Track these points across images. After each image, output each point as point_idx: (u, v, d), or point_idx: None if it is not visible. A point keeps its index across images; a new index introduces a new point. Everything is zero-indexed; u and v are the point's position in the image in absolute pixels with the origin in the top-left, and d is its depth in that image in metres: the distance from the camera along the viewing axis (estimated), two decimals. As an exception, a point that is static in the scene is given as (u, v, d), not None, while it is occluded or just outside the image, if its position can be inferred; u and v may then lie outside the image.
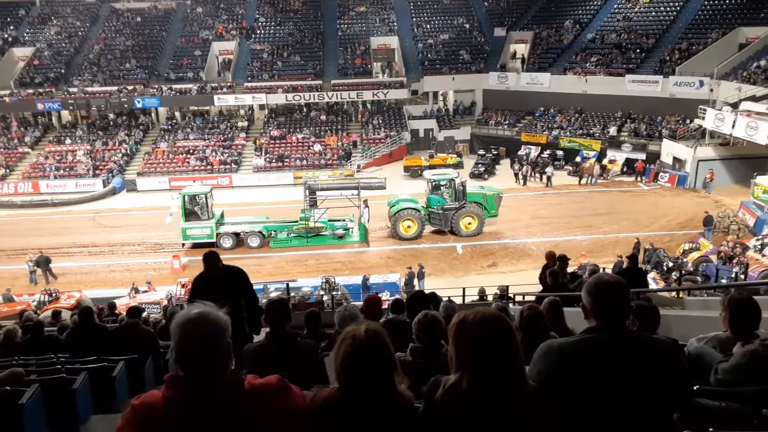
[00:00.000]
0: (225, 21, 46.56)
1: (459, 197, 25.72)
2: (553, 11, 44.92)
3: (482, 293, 15.11)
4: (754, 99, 29.07)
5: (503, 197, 26.74)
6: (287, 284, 16.36)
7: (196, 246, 24.90)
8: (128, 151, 38.14)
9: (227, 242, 25.07)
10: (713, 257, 20.73)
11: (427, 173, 28.32)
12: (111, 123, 41.02)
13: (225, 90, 40.68)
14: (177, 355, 1.94)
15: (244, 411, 1.95)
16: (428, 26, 46.41)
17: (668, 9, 39.93)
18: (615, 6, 42.13)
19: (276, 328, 3.86)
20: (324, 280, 18.72)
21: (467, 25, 46.22)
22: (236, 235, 25.45)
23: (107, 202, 33.61)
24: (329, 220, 25.98)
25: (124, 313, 8.75)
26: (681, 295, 12.44)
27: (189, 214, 24.98)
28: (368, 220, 25.70)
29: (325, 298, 16.99)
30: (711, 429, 2.27)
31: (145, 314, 11.83)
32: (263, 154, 37.45)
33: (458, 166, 35.82)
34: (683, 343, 4.26)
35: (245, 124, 41.04)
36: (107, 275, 23.43)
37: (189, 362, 1.94)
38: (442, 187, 25.99)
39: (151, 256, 25.11)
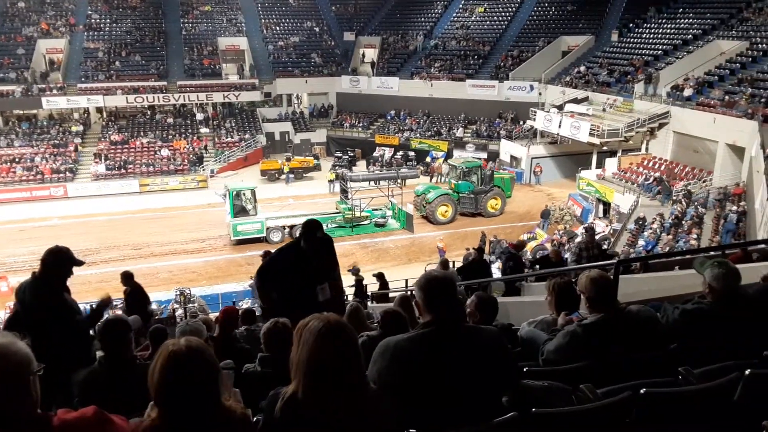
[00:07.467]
0: (53, 17, 42.25)
1: (486, 181, 27.88)
2: (398, 18, 46.60)
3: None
4: (576, 101, 32.42)
5: None
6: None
7: (241, 242, 24.95)
8: (-63, 162, 33.29)
9: (277, 236, 25.18)
10: (548, 245, 22.75)
11: (452, 161, 30.54)
12: None
13: (55, 91, 36.97)
14: None
15: None
16: (278, 28, 45.83)
17: (500, 18, 43.24)
18: (454, 15, 44.73)
19: (111, 352, 3.54)
20: (178, 293, 17.72)
21: (317, 29, 46.38)
22: (283, 228, 25.38)
23: None
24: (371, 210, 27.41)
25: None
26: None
27: (237, 211, 24.96)
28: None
29: (179, 312, 16.06)
30: (534, 409, 2.42)
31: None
32: (103, 160, 34.59)
33: (316, 168, 35.88)
34: (516, 328, 4.62)
35: (80, 128, 37.56)
36: None
37: None
38: (469, 174, 27.94)
39: (-30, 280, 22.07)
